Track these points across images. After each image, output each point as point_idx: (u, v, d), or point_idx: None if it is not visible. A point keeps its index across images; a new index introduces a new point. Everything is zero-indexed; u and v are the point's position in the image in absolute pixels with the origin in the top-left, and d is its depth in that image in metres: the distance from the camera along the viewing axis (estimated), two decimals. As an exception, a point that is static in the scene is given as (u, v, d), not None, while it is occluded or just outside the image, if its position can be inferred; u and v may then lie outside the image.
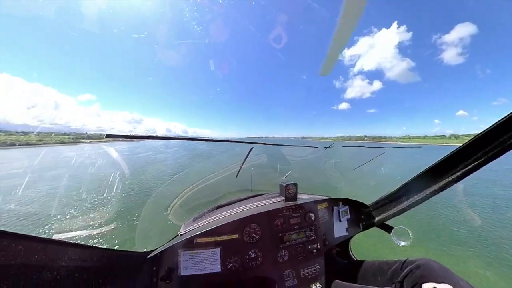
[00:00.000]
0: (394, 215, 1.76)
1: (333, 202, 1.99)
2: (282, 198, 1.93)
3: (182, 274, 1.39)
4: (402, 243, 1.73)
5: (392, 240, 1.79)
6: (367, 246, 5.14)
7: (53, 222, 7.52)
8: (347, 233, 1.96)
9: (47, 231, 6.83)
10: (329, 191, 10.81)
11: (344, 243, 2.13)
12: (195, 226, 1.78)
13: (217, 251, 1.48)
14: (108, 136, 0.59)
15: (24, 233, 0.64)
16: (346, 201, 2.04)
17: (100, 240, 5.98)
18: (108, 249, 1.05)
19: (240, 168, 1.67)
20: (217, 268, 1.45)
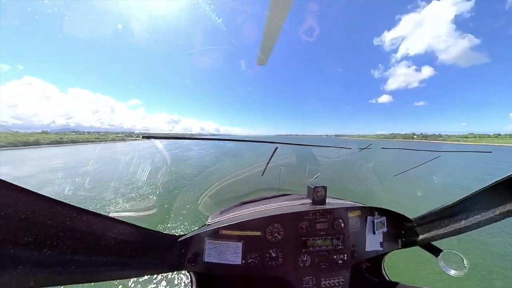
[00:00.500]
0: (445, 235, 1.48)
1: (368, 211, 1.82)
2: (309, 201, 1.87)
3: (206, 260, 1.53)
4: (453, 272, 1.45)
5: (439, 265, 1.52)
6: (404, 266, 4.50)
7: (107, 203, 9.11)
8: (381, 248, 1.77)
9: (102, 210, 8.31)
10: (364, 198, 9.87)
11: (376, 259, 1.93)
12: (221, 219, 1.90)
13: (240, 245, 1.56)
14: (144, 137, 0.69)
15: (88, 209, 0.83)
16: (384, 212, 1.84)
17: (141, 221, 6.91)
18: (147, 229, 1.20)
19: (266, 167, 1.69)
20: (238, 260, 1.53)
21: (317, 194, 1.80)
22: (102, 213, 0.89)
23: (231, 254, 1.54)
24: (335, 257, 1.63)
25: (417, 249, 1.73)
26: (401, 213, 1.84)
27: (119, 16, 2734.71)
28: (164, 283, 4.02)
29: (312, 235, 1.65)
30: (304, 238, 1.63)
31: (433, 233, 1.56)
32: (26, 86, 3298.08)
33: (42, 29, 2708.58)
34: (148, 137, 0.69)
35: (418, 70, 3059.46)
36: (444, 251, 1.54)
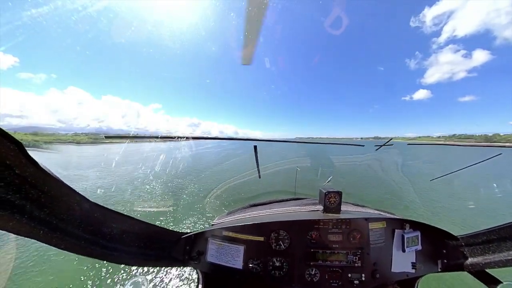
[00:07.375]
0: (509, 263, 1.20)
1: (395, 222, 1.59)
2: (321, 207, 1.73)
3: (208, 260, 1.56)
4: None
5: None
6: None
7: (120, 197, 9.68)
8: (412, 270, 1.53)
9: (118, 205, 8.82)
10: (395, 209, 8.81)
11: (409, 282, 1.67)
12: (226, 220, 1.93)
13: (241, 248, 1.56)
14: (162, 137, 0.86)
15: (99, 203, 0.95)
16: (417, 225, 1.58)
17: (148, 216, 7.23)
18: (153, 224, 1.29)
19: (258, 169, 1.72)
20: (238, 264, 1.54)
21: (330, 201, 1.65)
22: (118, 210, 1.03)
23: (232, 257, 1.55)
24: (349, 275, 1.48)
25: (461, 274, 1.45)
26: (443, 228, 1.56)
27: (143, 25, 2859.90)
28: (176, 279, 4.30)
29: (322, 247, 1.53)
30: (312, 250, 1.52)
31: (489, 258, 1.30)
32: (67, 94, 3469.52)
33: (76, 43, 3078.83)
34: (164, 137, 0.77)
35: (468, 55, 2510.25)
36: (504, 283, 1.27)
